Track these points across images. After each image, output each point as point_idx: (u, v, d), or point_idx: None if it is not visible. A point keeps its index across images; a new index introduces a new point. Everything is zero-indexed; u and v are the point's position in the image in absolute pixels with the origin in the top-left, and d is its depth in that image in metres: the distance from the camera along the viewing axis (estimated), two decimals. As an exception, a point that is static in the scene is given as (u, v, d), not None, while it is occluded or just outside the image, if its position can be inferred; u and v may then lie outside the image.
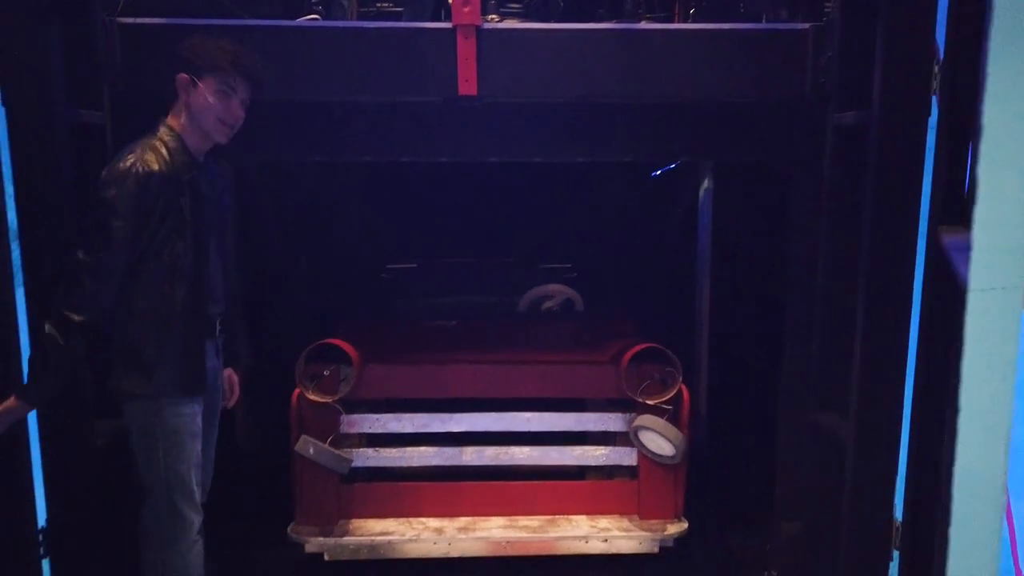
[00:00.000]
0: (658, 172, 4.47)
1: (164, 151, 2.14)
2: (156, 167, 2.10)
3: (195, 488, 2.27)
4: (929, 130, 2.37)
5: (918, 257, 2.42)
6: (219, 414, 2.49)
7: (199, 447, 2.29)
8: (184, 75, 2.16)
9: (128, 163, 2.10)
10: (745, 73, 2.69)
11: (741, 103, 2.86)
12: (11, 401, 2.06)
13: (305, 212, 4.77)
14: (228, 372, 2.55)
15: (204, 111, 2.17)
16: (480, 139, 2.96)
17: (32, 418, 2.42)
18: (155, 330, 2.16)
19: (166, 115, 2.22)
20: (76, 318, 2.03)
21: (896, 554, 2.59)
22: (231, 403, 2.58)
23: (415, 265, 4.79)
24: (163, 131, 2.19)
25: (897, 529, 2.58)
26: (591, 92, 2.69)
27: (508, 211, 5.06)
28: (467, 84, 2.60)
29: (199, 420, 2.27)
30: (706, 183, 3.61)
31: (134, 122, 2.66)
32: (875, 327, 2.48)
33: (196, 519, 2.28)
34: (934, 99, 2.33)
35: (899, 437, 2.54)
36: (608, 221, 5.10)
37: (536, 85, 2.66)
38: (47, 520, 2.49)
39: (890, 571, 2.64)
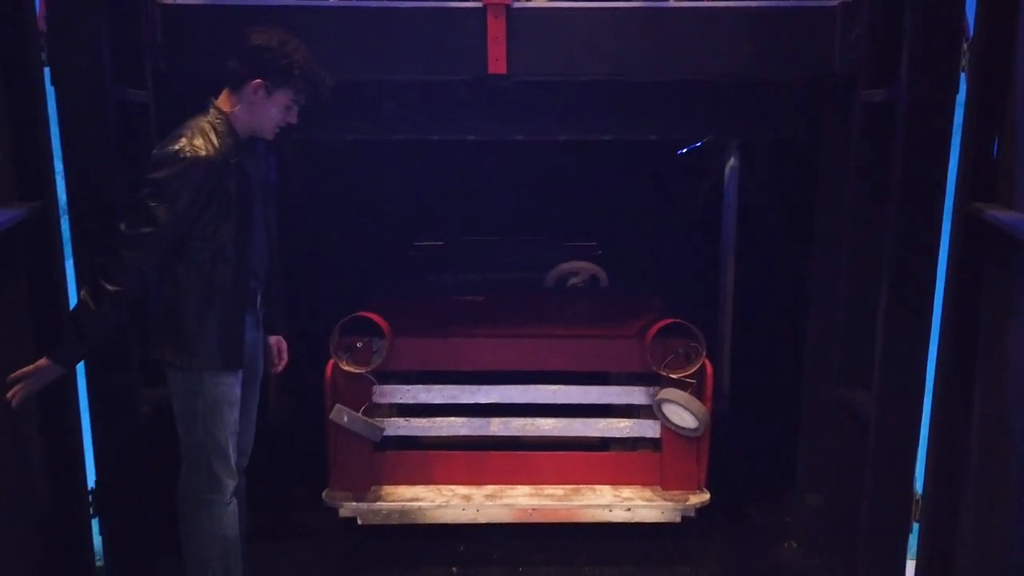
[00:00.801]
0: (684, 150, 4.48)
1: (213, 136, 2.18)
2: (204, 153, 2.14)
3: (231, 453, 2.35)
4: (957, 107, 2.38)
5: (943, 234, 2.44)
6: (260, 381, 2.58)
7: (237, 415, 2.37)
8: (258, 81, 2.19)
9: (178, 147, 2.14)
10: (773, 51, 2.71)
11: (768, 81, 2.87)
12: (42, 361, 2.12)
13: (337, 189, 4.85)
14: (277, 339, 2.63)
15: (267, 117, 2.25)
16: (507, 117, 3.00)
17: (82, 386, 2.54)
18: (197, 308, 2.23)
19: (215, 95, 2.26)
20: (109, 288, 2.10)
21: (916, 526, 2.64)
22: (280, 368, 2.66)
23: (442, 242, 4.86)
24: (213, 113, 2.23)
25: (917, 502, 2.63)
26: (620, 70, 2.72)
27: (534, 189, 5.10)
28: (497, 63, 2.64)
29: (237, 389, 2.35)
30: (732, 161, 3.61)
31: (175, 100, 2.76)
32: (900, 303, 2.51)
33: (231, 483, 2.37)
34: (963, 76, 2.34)
35: (921, 412, 2.58)
36: (633, 199, 5.12)
37: (565, 63, 2.70)
38: (96, 481, 2.62)
39: (910, 542, 2.69)
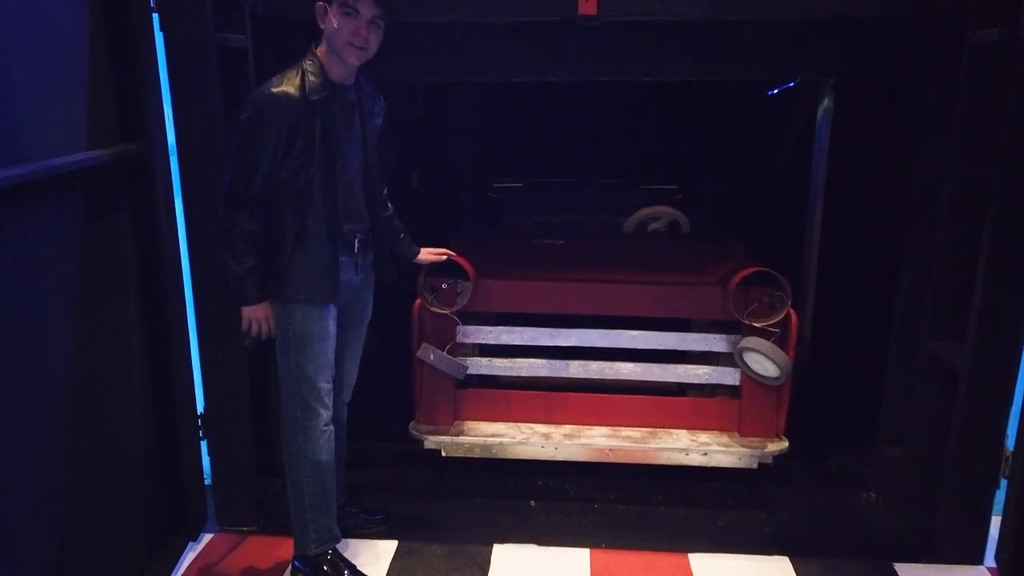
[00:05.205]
0: (775, 91, 4.33)
1: (299, 78, 2.25)
2: (286, 91, 2.22)
3: (321, 385, 2.45)
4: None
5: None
6: (366, 324, 2.67)
7: (329, 351, 2.46)
8: (321, 2, 2.27)
9: (263, 88, 2.25)
10: (878, -14, 2.57)
11: (871, 17, 2.73)
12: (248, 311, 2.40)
13: (416, 130, 4.90)
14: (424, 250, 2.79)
15: (334, 35, 2.27)
16: (595, 59, 2.95)
17: (192, 323, 2.72)
18: (288, 245, 2.34)
19: (317, 44, 2.33)
20: (234, 267, 2.30)
21: (1004, 482, 2.59)
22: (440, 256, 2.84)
23: (520, 185, 4.87)
24: (308, 59, 2.30)
25: (1007, 458, 2.58)
26: (713, 10, 2.63)
27: (613, 131, 5.03)
28: (587, 3, 2.60)
29: (329, 324, 2.44)
30: (826, 103, 3.47)
31: (274, 45, 2.83)
32: (1001, 255, 2.41)
33: (323, 411, 2.48)
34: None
35: (1017, 367, 2.50)
36: (717, 142, 5.00)
37: (656, 3, 2.62)
38: (204, 408, 2.82)
39: (996, 498, 2.65)
